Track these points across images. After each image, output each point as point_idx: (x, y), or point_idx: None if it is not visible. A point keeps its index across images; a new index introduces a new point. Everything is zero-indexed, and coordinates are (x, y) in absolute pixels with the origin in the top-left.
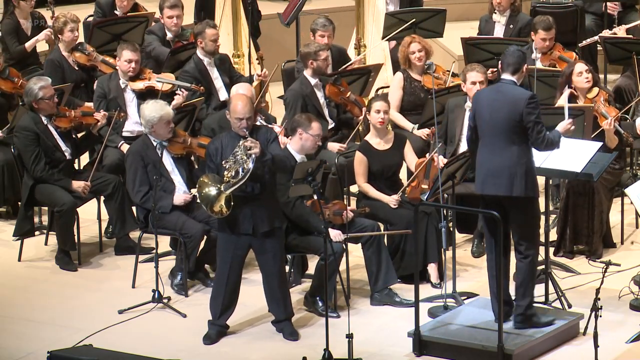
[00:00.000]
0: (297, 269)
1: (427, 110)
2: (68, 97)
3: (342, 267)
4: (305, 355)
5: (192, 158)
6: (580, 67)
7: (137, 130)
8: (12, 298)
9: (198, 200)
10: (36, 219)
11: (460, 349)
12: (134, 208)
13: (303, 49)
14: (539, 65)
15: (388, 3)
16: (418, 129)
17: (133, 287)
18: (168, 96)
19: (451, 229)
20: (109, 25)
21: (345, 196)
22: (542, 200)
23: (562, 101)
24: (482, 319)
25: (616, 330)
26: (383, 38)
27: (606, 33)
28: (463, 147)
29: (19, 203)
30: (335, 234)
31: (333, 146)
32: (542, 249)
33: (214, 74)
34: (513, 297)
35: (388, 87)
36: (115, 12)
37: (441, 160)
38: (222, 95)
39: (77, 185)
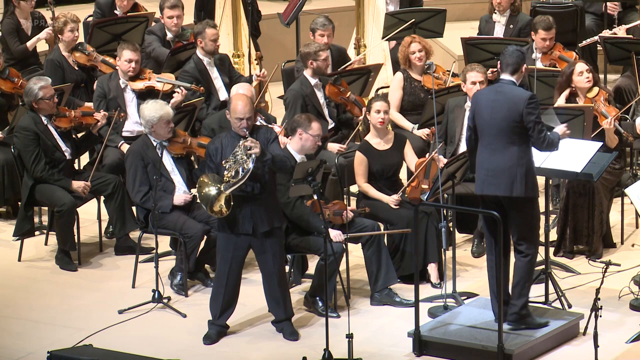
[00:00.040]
0: (297, 269)
1: (427, 110)
2: (68, 97)
3: (342, 267)
4: (305, 355)
5: (192, 158)
6: (581, 66)
7: (137, 130)
8: (12, 298)
9: (198, 200)
10: (36, 219)
11: (460, 349)
12: (134, 208)
13: (303, 49)
14: (539, 65)
15: (388, 3)
16: (418, 129)
17: (133, 287)
18: (168, 96)
19: (451, 229)
20: (109, 25)
21: (345, 196)
22: (542, 200)
23: (561, 102)
24: (482, 319)
25: (616, 330)
26: (383, 38)
27: (606, 33)
28: (463, 147)
29: (19, 203)
30: (335, 234)
31: (333, 146)
32: (542, 249)
33: (214, 73)
34: None
35: (388, 87)
36: (115, 12)
37: (441, 160)
38: (222, 95)
39: (77, 185)
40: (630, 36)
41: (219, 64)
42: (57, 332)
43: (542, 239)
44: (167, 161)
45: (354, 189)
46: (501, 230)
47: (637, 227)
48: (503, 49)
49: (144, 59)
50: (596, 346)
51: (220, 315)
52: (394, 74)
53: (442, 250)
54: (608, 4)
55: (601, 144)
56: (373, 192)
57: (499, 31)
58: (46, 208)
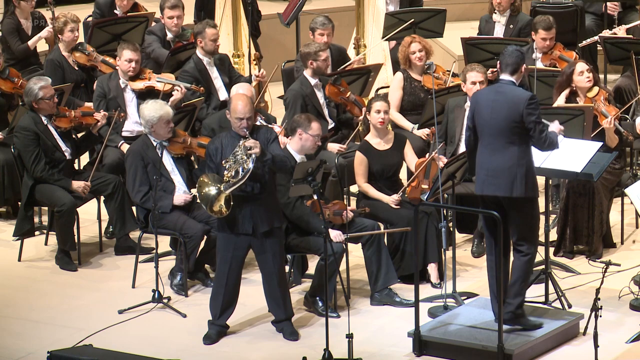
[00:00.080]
0: (297, 269)
1: (427, 110)
2: (68, 97)
3: (342, 267)
4: (305, 355)
5: (192, 158)
6: (581, 66)
7: (137, 130)
8: (12, 298)
9: (198, 200)
10: (36, 219)
11: (460, 349)
12: (134, 208)
13: (303, 49)
14: (539, 65)
15: (388, 3)
16: (418, 129)
17: (133, 287)
18: (168, 96)
19: (451, 229)
20: (109, 25)
21: (345, 196)
22: (542, 200)
23: (561, 101)
24: (482, 319)
25: (616, 330)
26: (383, 38)
27: (606, 33)
28: (463, 147)
29: (19, 203)
30: (336, 235)
31: (333, 147)
32: (542, 249)
33: (214, 73)
34: None
35: (388, 87)
36: (115, 11)
37: (441, 160)
38: (222, 95)
39: (77, 185)
40: (630, 36)
41: (219, 63)
42: (57, 332)
43: (542, 239)
44: (167, 161)
45: (354, 189)
46: (501, 231)
47: (637, 227)
48: (503, 49)
49: (143, 59)
50: (596, 346)
51: (220, 315)
52: (394, 74)
53: (442, 250)
54: (608, 4)
55: (601, 144)
56: (373, 192)
57: (499, 31)
58: (46, 208)
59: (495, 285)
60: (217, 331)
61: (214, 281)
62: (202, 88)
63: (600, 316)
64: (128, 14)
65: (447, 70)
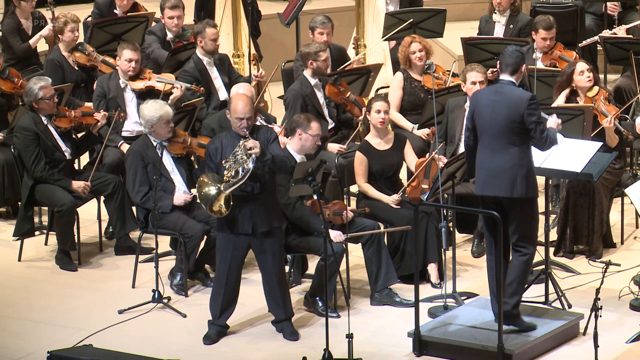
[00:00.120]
0: (297, 269)
1: (427, 110)
2: (68, 97)
3: (342, 267)
4: (305, 355)
5: (192, 158)
6: (582, 66)
7: (137, 130)
8: (12, 298)
9: (198, 200)
10: (36, 219)
11: (460, 349)
12: (134, 208)
13: (303, 49)
14: (540, 64)
15: (388, 3)
16: (418, 129)
17: (133, 287)
18: (168, 96)
19: (451, 229)
20: (109, 25)
21: (345, 196)
22: (542, 200)
23: (560, 101)
24: (482, 319)
25: (616, 330)
26: (383, 37)
27: (606, 33)
28: (463, 147)
29: (19, 203)
30: (336, 235)
31: (333, 147)
32: (542, 249)
33: (214, 73)
34: None
35: (388, 87)
36: (115, 11)
37: (441, 160)
38: (222, 94)
39: (77, 185)
40: (630, 36)
41: (219, 63)
42: (57, 332)
43: (542, 239)
44: (167, 161)
45: (354, 189)
46: (501, 231)
47: (637, 227)
48: (503, 49)
49: (143, 60)
50: (596, 346)
51: (220, 315)
52: (394, 74)
53: (442, 250)
54: (608, 4)
55: (601, 144)
56: (373, 192)
57: (499, 31)
58: (46, 208)
59: (495, 286)
60: (217, 331)
61: (214, 281)
62: (202, 88)
63: (600, 316)
64: (128, 14)
65: (447, 70)
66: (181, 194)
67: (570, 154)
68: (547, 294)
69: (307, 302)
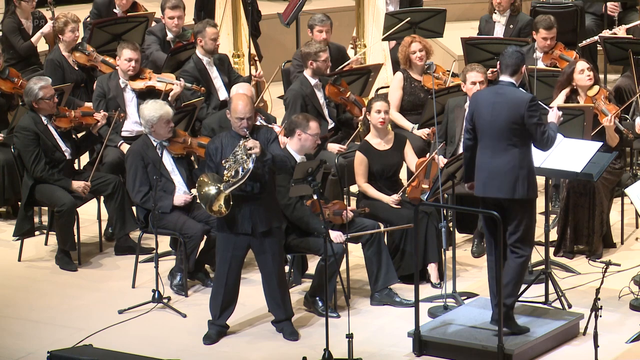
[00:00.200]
0: (297, 269)
1: (427, 110)
2: (68, 97)
3: (342, 267)
4: (305, 355)
5: (192, 158)
6: (582, 65)
7: (137, 130)
8: (12, 298)
9: (197, 200)
10: (36, 219)
11: (460, 349)
12: (134, 208)
13: (303, 49)
14: (540, 64)
15: (388, 3)
16: (418, 129)
17: (133, 287)
18: (168, 95)
19: (451, 229)
20: (109, 25)
21: (345, 196)
22: (542, 200)
23: (560, 100)
24: (482, 319)
25: (616, 330)
26: (383, 37)
27: (606, 33)
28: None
29: (19, 203)
30: (336, 236)
31: (333, 147)
32: (542, 249)
33: (214, 73)
34: None
35: (388, 87)
36: (114, 10)
37: (441, 160)
38: (222, 94)
39: (77, 185)
40: (630, 36)
41: (219, 63)
42: (57, 332)
43: (542, 239)
44: (167, 161)
45: (354, 189)
46: (501, 231)
47: (637, 227)
48: (503, 49)
49: (142, 60)
50: (596, 346)
51: (220, 315)
52: (394, 74)
53: (442, 250)
54: (608, 4)
55: (601, 144)
56: (373, 192)
57: (499, 31)
58: (46, 208)
59: (495, 286)
60: (217, 331)
61: (214, 281)
62: (202, 88)
63: (600, 316)
64: (128, 14)
65: (447, 70)
66: (181, 194)
67: (570, 154)
68: (547, 294)
69: (307, 302)
